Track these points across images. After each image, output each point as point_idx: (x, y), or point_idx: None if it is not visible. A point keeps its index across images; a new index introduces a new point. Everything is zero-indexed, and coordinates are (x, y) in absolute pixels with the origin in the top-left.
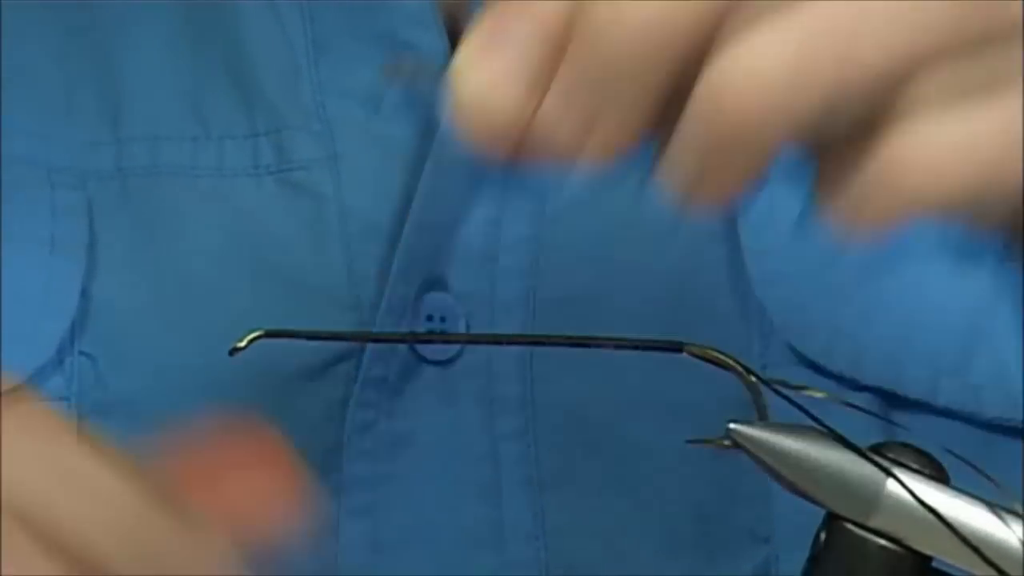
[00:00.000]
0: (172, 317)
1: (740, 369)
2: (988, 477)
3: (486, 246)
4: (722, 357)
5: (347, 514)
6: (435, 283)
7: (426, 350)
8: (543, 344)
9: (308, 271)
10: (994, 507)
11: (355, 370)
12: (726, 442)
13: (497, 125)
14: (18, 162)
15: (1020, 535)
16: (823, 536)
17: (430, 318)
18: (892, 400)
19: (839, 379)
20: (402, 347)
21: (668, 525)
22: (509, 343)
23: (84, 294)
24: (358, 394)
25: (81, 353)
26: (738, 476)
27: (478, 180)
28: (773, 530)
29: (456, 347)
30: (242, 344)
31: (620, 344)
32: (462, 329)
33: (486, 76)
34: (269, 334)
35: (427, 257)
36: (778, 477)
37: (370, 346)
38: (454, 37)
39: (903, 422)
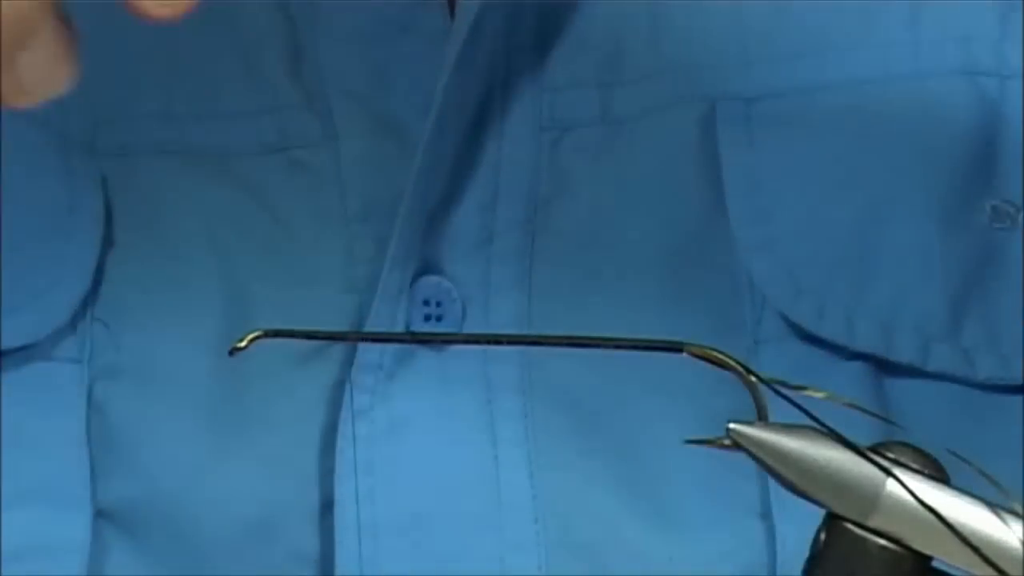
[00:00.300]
0: (178, 291)
1: (740, 369)
2: (988, 477)
3: (480, 229)
4: (722, 357)
5: (345, 499)
6: (430, 267)
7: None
8: (542, 344)
9: (308, 251)
10: (994, 507)
11: (350, 352)
12: (726, 441)
13: None
14: (32, 131)
15: (1020, 535)
16: (823, 536)
17: (426, 302)
18: (884, 367)
19: (832, 347)
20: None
21: (667, 504)
22: (509, 343)
23: (99, 266)
24: (353, 379)
25: (94, 319)
26: (737, 456)
27: (471, 163)
28: (771, 506)
29: (452, 332)
30: (242, 344)
31: (619, 344)
32: (458, 313)
33: None
34: (269, 334)
35: (422, 241)
36: (778, 477)
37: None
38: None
39: (895, 389)
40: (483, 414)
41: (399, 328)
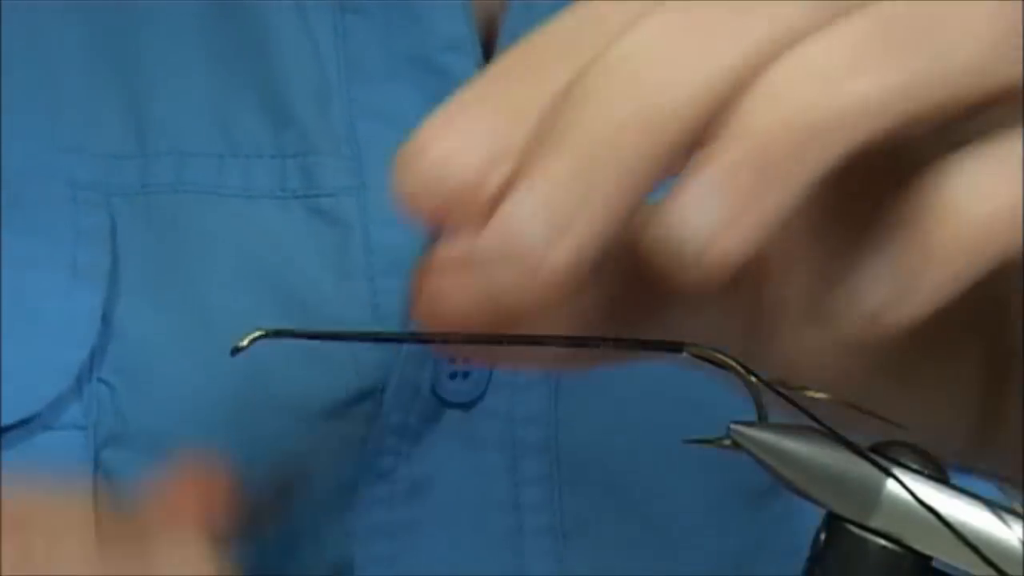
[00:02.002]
0: (192, 346)
1: (740, 369)
2: (988, 479)
3: None
4: (722, 357)
5: (367, 562)
6: None
7: (448, 393)
8: (541, 343)
9: (332, 304)
10: (994, 507)
11: (376, 408)
12: (726, 442)
13: (445, 185)
14: (41, 176)
15: (1020, 535)
16: (823, 536)
17: (452, 359)
18: None
19: None
20: (424, 392)
21: (693, 574)
22: (510, 343)
23: (104, 320)
24: (376, 440)
25: (100, 380)
26: (765, 528)
27: None
28: None
29: (479, 390)
30: (244, 343)
31: (620, 343)
32: (486, 374)
33: (445, 136)
34: (270, 333)
35: None
36: (779, 477)
37: (391, 391)
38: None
39: None
40: (508, 476)
41: (425, 387)
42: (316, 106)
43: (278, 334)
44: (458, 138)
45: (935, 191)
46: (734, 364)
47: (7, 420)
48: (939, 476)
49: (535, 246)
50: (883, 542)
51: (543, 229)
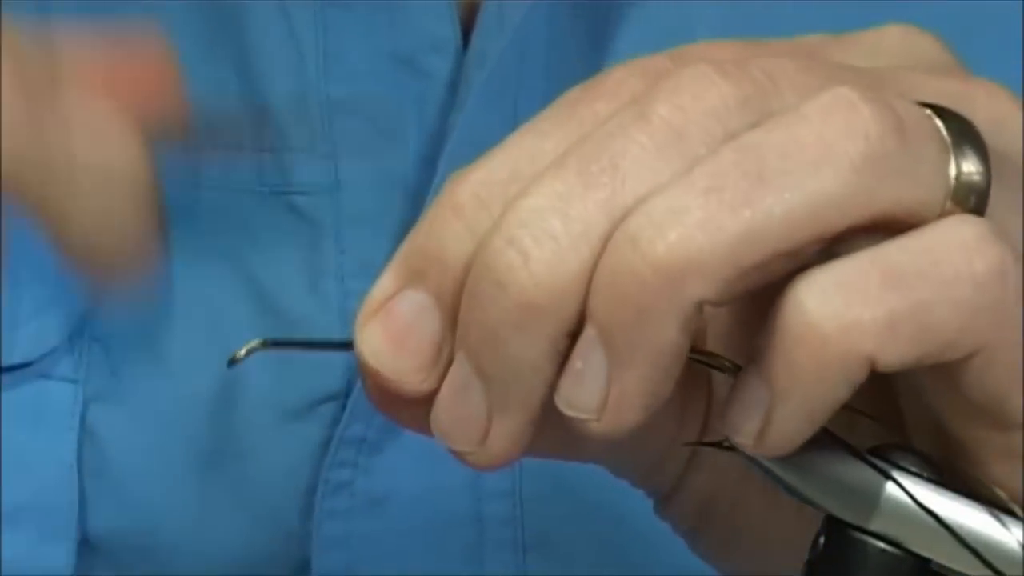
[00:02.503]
0: (175, 329)
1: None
2: (987, 484)
3: None
4: (721, 358)
5: (322, 574)
6: None
7: None
8: None
9: (303, 306)
10: (993, 509)
11: (339, 412)
12: (725, 444)
13: (397, 396)
14: None
15: (1019, 538)
16: (822, 539)
17: None
18: None
19: None
20: None
21: None
22: None
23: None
24: (333, 454)
25: (93, 339)
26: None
27: None
28: None
29: None
30: (241, 354)
31: None
32: None
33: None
34: (266, 344)
35: None
36: (776, 480)
37: (352, 401)
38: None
39: None
40: (469, 491)
41: None
42: (294, 99)
43: (276, 344)
44: (398, 356)
45: (791, 309)
46: (732, 367)
47: (5, 362)
48: (938, 479)
49: (470, 442)
50: (882, 545)
51: (471, 429)
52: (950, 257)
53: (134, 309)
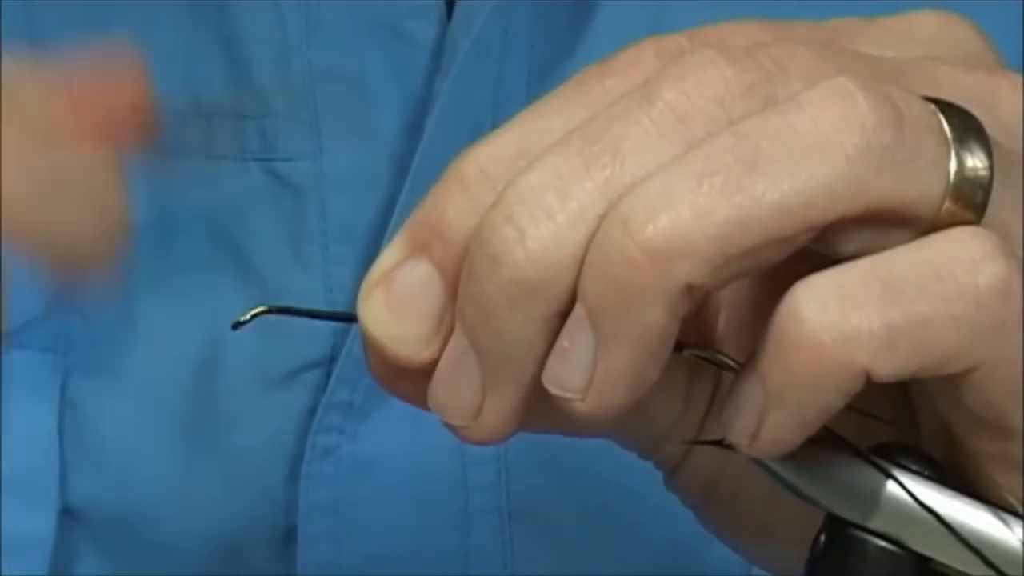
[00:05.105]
0: (156, 297)
1: (739, 370)
2: (987, 483)
3: None
4: (722, 358)
5: (308, 540)
6: None
7: None
8: None
9: (286, 272)
10: (994, 508)
11: (324, 379)
12: (724, 442)
13: (397, 367)
14: None
15: (1020, 536)
16: (823, 538)
17: None
18: None
19: None
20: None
21: (639, 560)
22: None
23: None
24: (320, 419)
25: (72, 309)
26: None
27: None
28: (748, 570)
29: None
30: (245, 318)
31: None
32: None
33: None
34: (273, 310)
35: None
36: (777, 478)
37: (338, 367)
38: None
39: None
40: (455, 457)
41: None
42: (276, 66)
43: (281, 311)
44: (399, 324)
45: (789, 315)
46: (733, 364)
47: None
48: (939, 477)
49: (464, 416)
50: (883, 544)
51: (465, 402)
52: (954, 272)
53: (104, 296)
